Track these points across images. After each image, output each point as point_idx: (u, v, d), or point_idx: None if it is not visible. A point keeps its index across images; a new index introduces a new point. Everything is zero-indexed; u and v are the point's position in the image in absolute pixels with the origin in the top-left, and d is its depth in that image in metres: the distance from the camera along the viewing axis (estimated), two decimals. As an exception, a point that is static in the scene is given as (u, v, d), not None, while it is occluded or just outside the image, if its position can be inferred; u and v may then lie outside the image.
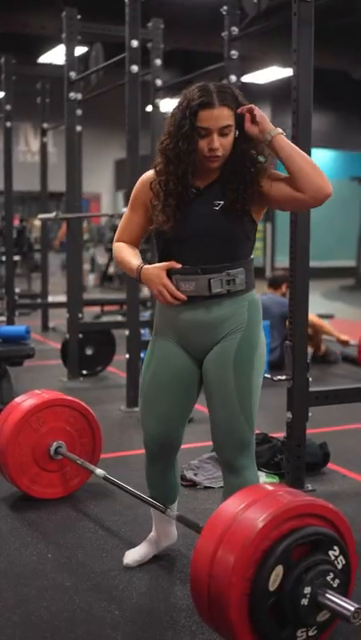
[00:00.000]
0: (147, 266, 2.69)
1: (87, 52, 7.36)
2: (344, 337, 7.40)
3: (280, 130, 2.59)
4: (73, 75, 6.45)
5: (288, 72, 3.77)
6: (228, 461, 2.74)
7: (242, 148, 2.60)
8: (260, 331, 2.73)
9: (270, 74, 15.68)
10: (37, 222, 16.63)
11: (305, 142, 3.70)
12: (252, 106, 2.58)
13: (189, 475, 4.03)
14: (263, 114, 2.58)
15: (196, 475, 4.04)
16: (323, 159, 20.00)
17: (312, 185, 2.53)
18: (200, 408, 5.52)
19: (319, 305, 11.51)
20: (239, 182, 2.59)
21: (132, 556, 3.07)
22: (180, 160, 2.58)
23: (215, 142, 2.54)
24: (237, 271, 2.64)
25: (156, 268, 2.65)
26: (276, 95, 16.53)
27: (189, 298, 2.64)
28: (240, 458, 2.72)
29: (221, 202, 2.62)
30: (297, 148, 2.60)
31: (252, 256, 2.72)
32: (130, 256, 2.78)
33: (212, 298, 2.65)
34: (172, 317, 2.74)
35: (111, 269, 14.90)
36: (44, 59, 14.88)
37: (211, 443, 4.36)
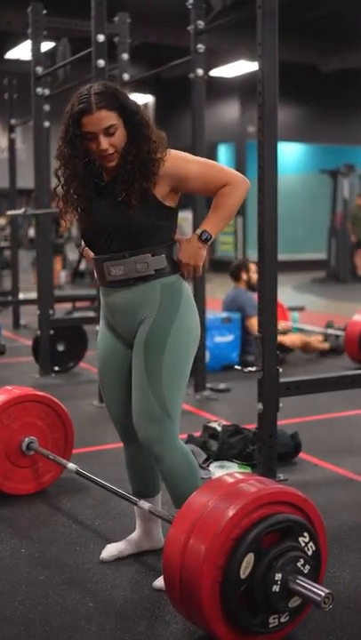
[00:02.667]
0: (87, 247, 2.93)
1: (54, 47, 7.33)
2: (325, 345, 7.52)
3: (200, 234, 2.76)
4: (40, 70, 6.43)
5: (256, 66, 3.78)
6: (142, 438, 2.80)
7: (135, 145, 2.68)
8: (177, 314, 2.76)
9: (238, 68, 15.72)
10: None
11: (270, 135, 3.73)
12: (185, 273, 2.81)
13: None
14: (189, 268, 2.79)
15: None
16: (292, 152, 20.11)
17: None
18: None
19: (291, 298, 11.57)
20: (130, 176, 2.68)
21: (110, 550, 3.08)
22: (67, 164, 2.74)
23: (102, 144, 2.67)
24: (141, 257, 2.73)
25: (89, 250, 2.92)
26: (245, 89, 16.57)
27: (114, 283, 2.79)
28: (151, 432, 2.75)
29: (122, 193, 2.70)
30: (220, 218, 2.77)
31: (168, 242, 2.78)
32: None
33: (126, 283, 2.76)
34: (103, 302, 2.91)
35: (82, 266, 14.86)
36: (11, 54, 14.80)
37: (184, 435, 4.41)
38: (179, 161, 2.73)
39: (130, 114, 2.68)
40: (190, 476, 2.80)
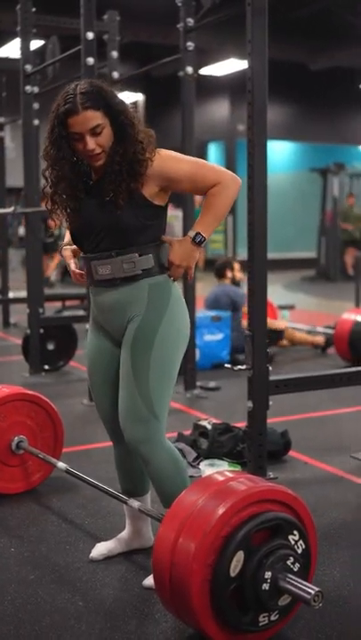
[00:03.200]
0: (66, 247, 2.94)
1: (43, 45, 7.32)
2: (320, 339, 7.56)
3: (194, 237, 2.74)
4: (29, 68, 6.41)
5: (246, 64, 3.78)
6: (128, 438, 2.78)
7: (122, 145, 2.67)
8: (165, 313, 2.75)
9: (228, 66, 15.72)
10: None
11: (260, 133, 3.73)
12: (175, 275, 2.80)
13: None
14: (180, 269, 2.77)
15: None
16: (282, 151, 20.13)
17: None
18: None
19: (281, 296, 11.58)
20: (117, 176, 2.67)
21: (100, 549, 3.07)
22: (54, 165, 2.72)
23: (89, 144, 2.65)
24: (128, 257, 2.71)
25: (68, 250, 2.93)
26: (235, 87, 16.58)
27: (101, 282, 2.78)
28: (137, 432, 2.74)
29: (110, 193, 2.69)
30: (212, 219, 2.76)
31: (156, 241, 2.76)
32: (67, 234, 2.98)
33: (113, 282, 2.75)
34: (92, 301, 2.90)
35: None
36: (0, 52, 14.75)
37: (174, 434, 4.41)
38: (168, 161, 2.71)
39: (116, 113, 2.66)
40: (177, 476, 2.80)
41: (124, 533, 3.11)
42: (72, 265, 2.86)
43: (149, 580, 2.75)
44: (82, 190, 2.77)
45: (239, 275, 7.25)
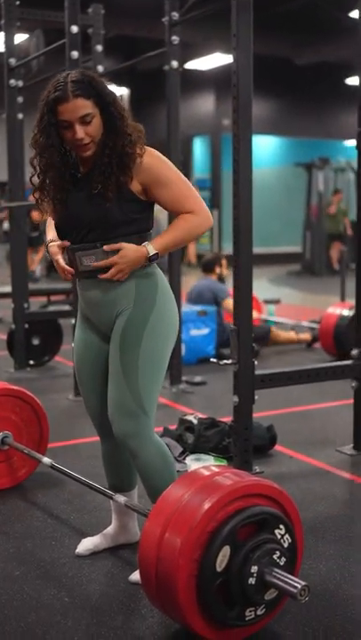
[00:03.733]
0: (52, 243, 2.82)
1: (27, 38, 7.28)
2: (307, 336, 7.57)
3: (150, 256, 2.69)
4: (13, 61, 6.37)
5: (231, 58, 3.77)
6: (116, 433, 2.77)
7: (111, 137, 2.64)
8: (154, 306, 2.74)
9: (214, 60, 15.71)
10: None
11: (245, 128, 3.72)
12: (113, 274, 2.69)
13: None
14: (122, 267, 2.68)
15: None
16: (267, 146, 20.14)
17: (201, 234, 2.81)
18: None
19: (266, 290, 11.59)
20: (106, 169, 2.65)
21: (86, 544, 3.07)
22: (42, 153, 2.70)
23: (78, 133, 2.62)
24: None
25: (54, 246, 2.80)
26: (220, 82, 16.57)
27: (86, 273, 2.75)
28: (128, 434, 2.74)
29: (98, 186, 2.66)
30: (174, 241, 2.74)
31: (142, 233, 2.73)
32: (49, 231, 2.92)
33: (98, 274, 2.71)
34: (79, 295, 2.87)
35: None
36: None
37: (160, 429, 4.40)
38: (159, 162, 2.70)
39: (106, 104, 2.64)
40: (165, 470, 2.79)
41: (110, 528, 3.10)
42: (60, 261, 2.80)
43: (135, 576, 2.75)
44: (69, 182, 2.75)
45: (226, 271, 7.26)
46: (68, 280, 2.93)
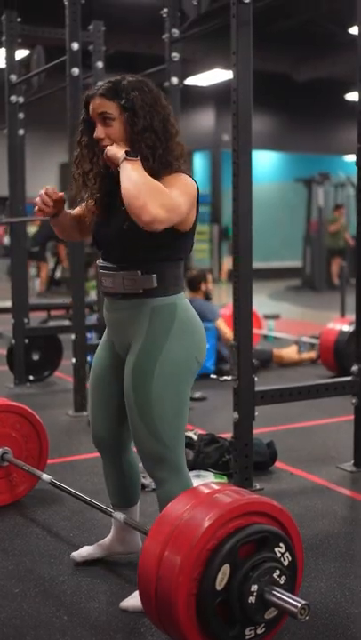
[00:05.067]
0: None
1: (28, 55, 7.31)
2: (312, 354, 7.54)
3: (124, 155, 2.51)
4: (14, 78, 6.41)
5: (231, 74, 3.79)
6: (148, 472, 2.73)
7: (134, 149, 2.55)
8: (166, 341, 2.62)
9: (214, 76, 15.77)
10: None
11: (245, 143, 3.74)
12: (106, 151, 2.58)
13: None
14: (112, 151, 2.55)
15: (145, 477, 4.04)
16: (267, 161, 20.21)
17: (131, 211, 2.44)
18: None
19: (266, 305, 11.59)
20: None
21: (81, 551, 3.10)
22: (81, 149, 2.70)
23: (98, 131, 2.61)
24: (129, 273, 2.61)
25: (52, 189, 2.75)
26: (220, 97, 16.63)
27: (106, 294, 2.73)
28: (156, 471, 2.69)
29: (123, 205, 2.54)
30: (128, 173, 2.47)
31: (168, 261, 2.63)
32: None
33: (116, 297, 2.68)
34: (104, 312, 2.82)
35: (58, 273, 14.81)
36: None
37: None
38: (175, 179, 2.59)
39: (129, 110, 2.56)
40: None
41: (107, 539, 3.11)
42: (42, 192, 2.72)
43: (127, 602, 2.74)
44: (105, 189, 2.68)
45: (211, 286, 7.14)
46: (45, 213, 2.75)
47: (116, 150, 2.55)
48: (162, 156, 2.59)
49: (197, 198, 2.63)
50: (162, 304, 2.64)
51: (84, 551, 3.09)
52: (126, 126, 2.58)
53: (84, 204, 2.83)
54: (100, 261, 2.73)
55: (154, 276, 2.61)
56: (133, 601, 2.71)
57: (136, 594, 2.62)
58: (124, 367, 2.71)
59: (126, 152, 2.51)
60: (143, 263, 2.60)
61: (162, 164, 2.59)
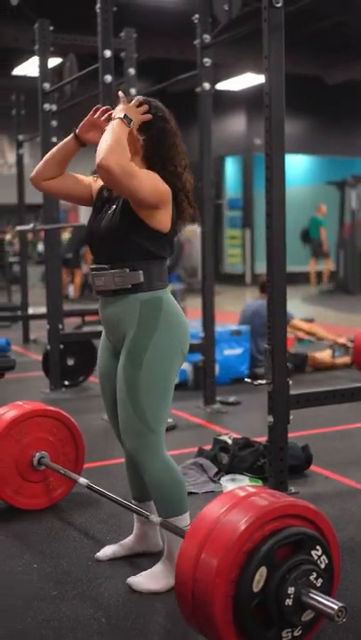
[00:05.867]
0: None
1: (61, 62, 7.38)
2: (340, 361, 7.49)
3: (120, 116, 2.78)
4: (47, 86, 6.47)
5: (262, 78, 3.79)
6: (127, 450, 2.93)
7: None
8: (155, 330, 2.82)
9: (245, 80, 15.76)
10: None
11: (278, 148, 3.74)
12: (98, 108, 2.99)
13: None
14: (119, 108, 2.82)
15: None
16: (299, 165, 20.13)
17: (97, 153, 2.72)
18: (183, 415, 5.55)
19: (300, 309, 11.55)
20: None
21: (105, 550, 3.20)
22: None
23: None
24: (119, 271, 2.83)
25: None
26: (252, 102, 16.63)
27: (99, 293, 2.95)
28: (139, 453, 2.86)
29: (114, 205, 2.87)
30: (113, 128, 2.74)
31: (152, 259, 2.85)
32: None
33: (107, 295, 2.89)
34: (100, 314, 3.00)
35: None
36: (18, 70, 14.87)
37: (195, 449, 4.41)
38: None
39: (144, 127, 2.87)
40: (173, 487, 2.87)
41: (129, 538, 3.22)
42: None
43: (133, 579, 2.94)
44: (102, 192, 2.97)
45: None
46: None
47: (122, 109, 2.80)
48: (160, 162, 2.85)
49: (170, 204, 2.82)
50: (149, 297, 2.86)
51: (109, 550, 3.20)
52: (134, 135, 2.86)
53: (90, 177, 3.06)
54: (92, 265, 2.96)
55: (140, 272, 2.83)
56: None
57: (145, 573, 2.95)
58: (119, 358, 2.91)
59: (125, 115, 2.76)
60: (130, 261, 2.83)
61: (153, 163, 2.85)
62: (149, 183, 2.75)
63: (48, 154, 3.07)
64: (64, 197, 3.20)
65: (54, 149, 3.06)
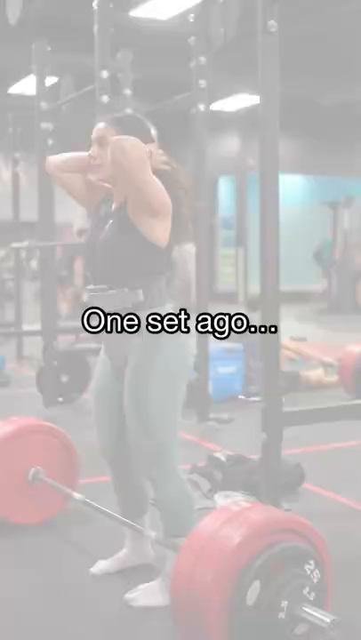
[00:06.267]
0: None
1: (57, 81, 7.44)
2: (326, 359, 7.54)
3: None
4: (44, 105, 6.52)
5: (257, 99, 3.84)
6: (145, 474, 2.94)
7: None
8: (159, 348, 2.81)
9: (240, 101, 15.88)
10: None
11: (272, 168, 3.78)
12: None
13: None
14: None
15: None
16: (292, 184, 20.25)
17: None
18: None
19: (292, 328, 11.58)
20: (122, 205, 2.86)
21: (99, 565, 3.20)
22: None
23: (91, 149, 2.88)
24: (118, 291, 2.82)
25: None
26: (246, 122, 16.75)
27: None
28: (152, 472, 2.87)
29: (111, 220, 2.89)
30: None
31: (151, 276, 2.84)
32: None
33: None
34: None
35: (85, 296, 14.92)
36: (15, 89, 14.96)
37: (188, 466, 4.43)
38: None
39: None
40: (185, 505, 2.88)
41: (122, 553, 3.22)
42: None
43: (130, 594, 2.91)
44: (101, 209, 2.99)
45: None
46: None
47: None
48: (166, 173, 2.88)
49: (170, 217, 2.82)
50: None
51: (102, 565, 3.20)
52: None
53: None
54: (90, 287, 2.93)
55: (140, 291, 2.81)
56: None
57: (142, 587, 2.93)
58: (124, 379, 2.87)
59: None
60: (128, 280, 2.81)
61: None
62: (158, 185, 2.76)
63: (70, 155, 3.08)
64: (68, 190, 3.17)
65: (77, 155, 3.05)
